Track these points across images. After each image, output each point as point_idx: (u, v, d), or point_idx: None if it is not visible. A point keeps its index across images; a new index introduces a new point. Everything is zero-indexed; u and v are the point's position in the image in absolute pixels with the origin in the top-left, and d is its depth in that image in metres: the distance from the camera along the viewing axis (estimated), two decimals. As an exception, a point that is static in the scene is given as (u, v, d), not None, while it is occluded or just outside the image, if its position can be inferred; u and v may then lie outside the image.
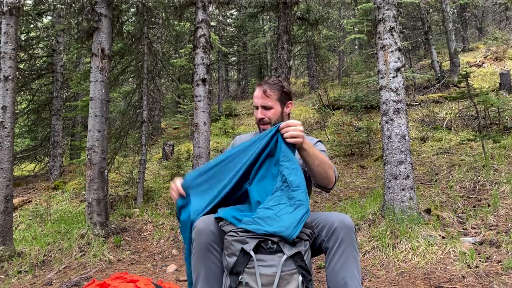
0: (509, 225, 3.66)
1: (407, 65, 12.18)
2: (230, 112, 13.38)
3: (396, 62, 4.17)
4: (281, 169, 1.62)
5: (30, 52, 9.52)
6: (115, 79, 7.34)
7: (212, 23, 11.22)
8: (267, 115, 1.92)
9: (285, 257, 1.43)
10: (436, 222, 3.81)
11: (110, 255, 4.29)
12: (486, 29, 18.32)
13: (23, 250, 4.34)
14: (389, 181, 4.05)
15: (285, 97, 1.97)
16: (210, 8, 6.53)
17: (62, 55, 9.31)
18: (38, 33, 9.11)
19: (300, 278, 1.44)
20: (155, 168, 8.75)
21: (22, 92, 10.32)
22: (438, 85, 10.23)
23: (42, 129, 10.95)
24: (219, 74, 16.35)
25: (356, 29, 11.61)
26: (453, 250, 3.25)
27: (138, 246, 4.71)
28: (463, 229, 3.75)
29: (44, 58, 10.11)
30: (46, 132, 10.65)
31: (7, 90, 4.30)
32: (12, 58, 4.38)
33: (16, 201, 7.23)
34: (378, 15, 4.31)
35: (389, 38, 4.22)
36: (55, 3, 5.57)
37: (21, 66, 9.53)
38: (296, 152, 1.69)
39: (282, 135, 1.67)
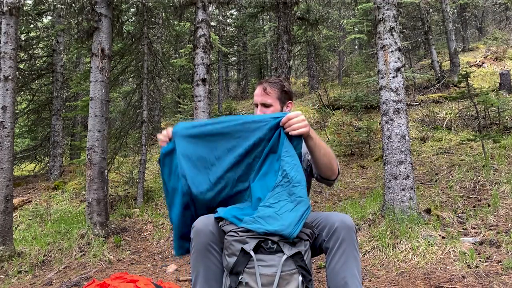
0: (509, 225, 3.66)
1: (407, 65, 12.18)
2: (230, 112, 13.37)
3: (396, 62, 4.17)
4: (282, 164, 1.59)
5: (30, 52, 9.52)
6: (115, 79, 7.34)
7: (212, 23, 11.21)
8: (266, 113, 1.92)
9: (285, 257, 1.43)
10: (436, 222, 3.81)
11: (110, 255, 4.29)
12: (486, 29, 18.32)
13: (23, 250, 4.34)
14: (389, 181, 4.05)
15: (285, 96, 1.97)
16: (210, 8, 6.53)
17: (62, 55, 9.31)
18: (38, 33, 9.10)
19: (300, 278, 1.44)
20: (155, 168, 8.75)
21: (22, 92, 10.32)
22: (438, 85, 10.23)
23: (42, 129, 10.95)
24: (219, 74, 16.35)
25: (356, 29, 11.62)
26: (453, 250, 3.25)
27: (138, 246, 4.71)
28: (463, 229, 3.75)
29: (44, 58, 10.11)
30: (46, 132, 10.64)
31: (7, 90, 4.30)
32: (12, 58, 4.38)
33: (16, 201, 7.23)
34: (378, 15, 4.31)
35: (389, 38, 4.22)
36: (55, 3, 5.57)
37: (21, 66, 9.53)
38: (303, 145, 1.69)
39: (284, 129, 1.64)
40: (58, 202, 7.46)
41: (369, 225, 3.98)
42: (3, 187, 4.24)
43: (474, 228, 3.72)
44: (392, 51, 4.19)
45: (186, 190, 1.67)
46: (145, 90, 6.73)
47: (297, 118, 1.64)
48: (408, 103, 8.69)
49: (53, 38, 9.50)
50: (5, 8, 4.36)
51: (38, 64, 10.03)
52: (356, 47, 19.20)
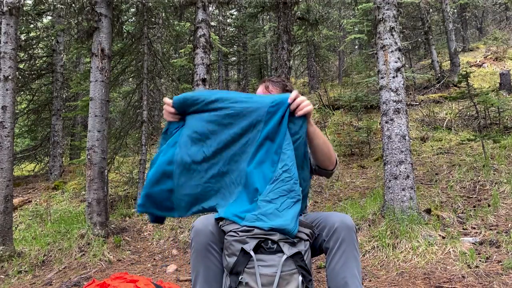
0: (509, 225, 3.66)
1: (407, 65, 12.18)
2: (230, 112, 13.33)
3: (396, 62, 4.17)
4: (284, 157, 1.54)
5: (30, 52, 9.51)
6: (115, 79, 7.34)
7: (212, 23, 11.22)
8: None
9: (285, 257, 1.43)
10: (436, 222, 3.81)
11: (110, 255, 4.29)
12: (486, 29, 18.32)
13: (23, 250, 4.34)
14: (389, 181, 4.05)
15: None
16: (210, 8, 6.53)
17: (62, 55, 9.31)
18: (38, 33, 9.10)
19: (300, 278, 1.44)
20: (155, 168, 8.73)
21: (22, 92, 10.32)
22: (438, 85, 10.23)
23: (42, 129, 10.95)
24: (219, 74, 16.35)
25: (356, 29, 11.62)
26: (453, 250, 3.25)
27: (138, 246, 4.71)
28: (463, 229, 3.75)
29: (44, 58, 10.11)
30: (46, 132, 10.64)
31: (7, 90, 4.30)
32: (12, 58, 4.38)
33: (16, 201, 7.23)
34: (378, 15, 4.31)
35: (389, 38, 4.22)
36: (55, 3, 5.57)
37: (21, 66, 9.52)
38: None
39: (292, 112, 1.59)
40: (58, 202, 7.46)
41: (369, 225, 3.98)
42: (3, 187, 4.24)
43: (474, 228, 3.72)
44: (392, 51, 4.19)
45: (176, 159, 1.63)
46: (145, 90, 6.73)
47: (300, 98, 1.62)
48: (408, 103, 8.69)
49: (53, 38, 9.50)
50: (5, 8, 4.36)
51: (38, 64, 10.02)
52: (356, 47, 19.20)
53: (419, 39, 13.70)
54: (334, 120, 9.53)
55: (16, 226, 6.07)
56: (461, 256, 3.12)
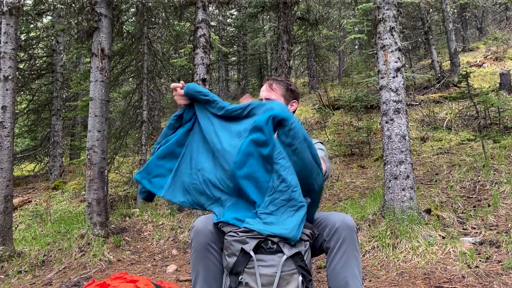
0: (509, 225, 3.66)
1: (407, 65, 12.18)
2: (230, 112, 13.33)
3: (396, 62, 4.17)
4: (277, 167, 1.52)
5: (30, 52, 9.52)
6: (115, 79, 7.34)
7: (212, 23, 11.22)
8: None
9: (285, 257, 1.43)
10: (436, 222, 3.81)
11: (110, 255, 4.29)
12: (486, 29, 18.32)
13: (23, 250, 4.34)
14: (389, 181, 4.05)
15: (290, 94, 1.98)
16: (210, 8, 6.53)
17: (62, 55, 9.31)
18: (38, 33, 9.10)
19: (300, 278, 1.44)
20: (155, 168, 8.73)
21: (22, 92, 10.32)
22: (438, 85, 10.23)
23: (42, 129, 10.95)
24: (219, 74, 16.35)
25: (356, 29, 11.62)
26: (453, 250, 3.25)
27: (138, 246, 4.71)
28: (463, 229, 3.74)
29: (44, 58, 10.11)
30: (46, 132, 10.64)
31: (7, 90, 4.30)
32: (12, 58, 4.38)
33: (16, 201, 7.23)
34: (378, 15, 4.31)
35: (389, 38, 4.22)
36: (55, 3, 5.57)
37: (21, 66, 9.53)
38: None
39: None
40: (58, 202, 7.46)
41: (369, 225, 3.98)
42: (3, 187, 4.24)
43: (474, 228, 3.72)
44: (392, 51, 4.19)
45: (187, 151, 1.76)
46: (145, 90, 6.72)
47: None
48: (408, 103, 8.69)
49: (53, 38, 9.50)
50: (5, 8, 4.36)
51: (38, 64, 10.03)
52: (356, 47, 19.20)
53: (419, 39, 13.70)
54: (334, 120, 9.53)
55: (16, 226, 6.07)
56: (461, 256, 3.12)
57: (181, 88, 1.74)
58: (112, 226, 5.02)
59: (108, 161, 6.27)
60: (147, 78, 6.81)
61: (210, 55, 5.72)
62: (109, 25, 5.11)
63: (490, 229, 3.63)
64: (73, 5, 5.18)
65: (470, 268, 2.96)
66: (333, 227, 1.61)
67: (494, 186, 4.62)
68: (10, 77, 4.32)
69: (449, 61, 11.39)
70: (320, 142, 1.98)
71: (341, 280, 1.57)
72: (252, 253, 1.43)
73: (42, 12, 8.77)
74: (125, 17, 7.69)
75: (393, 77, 4.14)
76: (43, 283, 3.64)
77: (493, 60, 12.13)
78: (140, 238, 4.94)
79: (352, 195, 5.48)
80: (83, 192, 7.22)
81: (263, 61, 20.08)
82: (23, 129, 10.95)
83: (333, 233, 1.60)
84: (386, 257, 3.37)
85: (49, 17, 11.37)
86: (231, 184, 1.60)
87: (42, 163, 10.94)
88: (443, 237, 3.53)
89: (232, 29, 18.45)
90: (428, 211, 4.05)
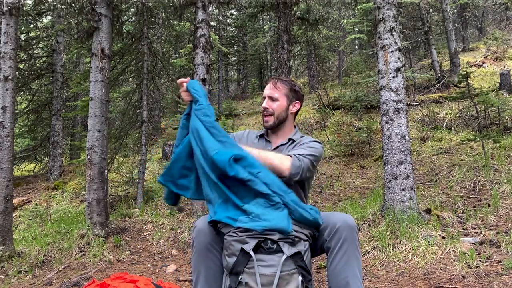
0: (509, 225, 3.66)
1: (407, 65, 12.18)
2: (230, 112, 13.37)
3: (396, 62, 4.17)
4: (250, 184, 1.58)
5: (30, 52, 9.51)
6: (115, 79, 7.34)
7: (212, 23, 11.22)
8: (272, 106, 1.94)
9: (284, 257, 1.43)
10: (436, 222, 3.81)
11: (110, 255, 4.29)
12: (486, 29, 18.32)
13: (23, 250, 4.34)
14: (389, 181, 4.05)
15: (293, 94, 1.98)
16: (210, 8, 6.54)
17: (62, 55, 9.31)
18: (38, 33, 9.10)
19: (300, 278, 1.44)
20: (155, 168, 8.75)
21: (22, 92, 10.32)
22: (438, 85, 10.23)
23: (42, 129, 10.95)
24: (219, 74, 16.35)
25: (356, 29, 11.61)
26: (453, 250, 3.25)
27: (138, 246, 4.71)
28: (463, 229, 3.74)
29: (44, 58, 10.11)
30: (46, 132, 10.64)
31: (7, 90, 4.30)
32: (12, 58, 4.38)
33: (16, 201, 7.23)
34: (378, 15, 4.31)
35: (389, 38, 4.22)
36: (55, 3, 5.56)
37: (21, 66, 9.52)
38: None
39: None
40: (58, 202, 7.46)
41: (369, 225, 3.98)
42: (3, 187, 4.24)
43: (474, 228, 3.72)
44: (392, 51, 4.19)
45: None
46: (145, 90, 6.72)
47: None
48: (408, 103, 8.69)
49: (53, 38, 9.50)
50: (5, 8, 4.36)
51: (38, 64, 10.02)
52: (356, 47, 19.20)
53: (419, 39, 13.71)
54: (334, 120, 9.53)
55: (16, 226, 6.07)
56: (461, 256, 3.12)
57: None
58: (112, 226, 5.02)
59: (108, 161, 6.27)
60: (147, 78, 6.81)
61: (210, 55, 5.72)
62: (109, 25, 5.11)
63: (490, 229, 3.63)
64: (73, 5, 5.18)
65: (470, 268, 2.96)
66: (334, 227, 1.61)
67: (494, 186, 4.62)
68: (10, 77, 4.32)
69: (449, 61, 11.39)
70: (315, 141, 1.94)
71: (342, 280, 1.57)
72: (252, 253, 1.43)
73: (42, 12, 8.77)
74: (125, 17, 7.68)
75: (393, 77, 4.14)
76: (43, 283, 3.64)
77: (493, 60, 12.13)
78: (140, 238, 4.94)
79: (352, 195, 5.48)
80: (83, 192, 7.22)
81: (263, 61, 20.09)
82: (23, 129, 10.94)
83: (334, 233, 1.60)
84: (386, 257, 3.37)
85: (49, 17, 11.37)
86: (214, 186, 1.64)
87: (42, 163, 10.94)
88: (443, 237, 3.53)
89: (232, 29, 18.46)
90: (428, 211, 4.05)
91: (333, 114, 9.94)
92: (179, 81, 1.81)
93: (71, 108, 10.98)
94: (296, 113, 2.03)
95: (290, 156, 1.75)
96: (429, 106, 8.79)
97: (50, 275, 3.85)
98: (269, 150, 1.90)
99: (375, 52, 4.66)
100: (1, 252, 4.11)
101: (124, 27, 6.81)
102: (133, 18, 8.26)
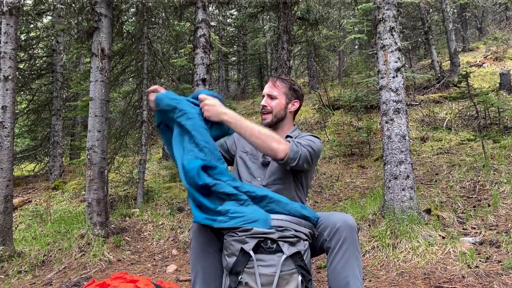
0: (509, 225, 3.66)
1: (407, 65, 12.18)
2: (230, 112, 13.32)
3: (396, 62, 4.17)
4: (214, 189, 1.59)
5: (30, 52, 9.51)
6: (115, 79, 7.34)
7: (212, 23, 11.21)
8: (270, 104, 1.95)
9: (284, 256, 1.43)
10: (436, 222, 3.81)
11: (110, 255, 4.29)
12: (486, 29, 18.32)
13: (23, 250, 4.34)
14: (389, 181, 4.05)
15: (293, 93, 1.99)
16: (210, 8, 6.54)
17: (62, 55, 9.30)
18: (38, 33, 9.10)
19: (300, 278, 1.44)
20: (155, 168, 8.75)
21: (22, 92, 10.32)
22: (438, 85, 10.23)
23: (42, 129, 10.95)
24: (219, 74, 16.35)
25: (356, 29, 11.62)
26: (453, 250, 3.25)
27: (138, 246, 4.71)
28: (463, 229, 3.75)
29: (44, 58, 10.11)
30: (46, 132, 10.64)
31: (7, 90, 4.30)
32: (12, 58, 4.38)
33: (16, 201, 7.23)
34: (378, 15, 4.31)
35: (389, 38, 4.22)
36: (55, 3, 5.57)
37: (21, 66, 9.52)
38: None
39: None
40: (58, 202, 7.46)
41: (369, 225, 3.98)
42: (3, 187, 4.24)
43: (474, 228, 3.72)
44: (392, 51, 4.19)
45: None
46: (145, 90, 6.72)
47: (203, 101, 1.72)
48: (408, 103, 8.69)
49: (53, 38, 9.50)
50: (5, 8, 4.36)
51: (38, 64, 10.02)
52: (356, 47, 19.20)
53: (419, 39, 13.71)
54: (334, 120, 9.53)
55: (16, 226, 6.07)
56: (461, 256, 3.12)
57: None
58: (112, 226, 5.02)
59: (108, 161, 6.27)
60: (147, 78, 6.81)
61: (210, 55, 5.72)
62: (109, 25, 5.11)
63: (490, 229, 3.63)
64: (73, 5, 5.18)
65: (470, 268, 2.96)
66: (334, 227, 1.60)
67: (494, 186, 4.62)
68: (10, 77, 4.32)
69: (449, 61, 11.38)
70: (312, 135, 1.93)
71: (342, 280, 1.57)
72: (251, 252, 1.43)
73: (42, 12, 8.77)
74: (125, 17, 7.68)
75: (393, 77, 4.14)
76: (43, 283, 3.64)
77: (493, 60, 12.13)
78: (140, 238, 4.94)
79: (352, 195, 5.48)
80: (83, 192, 7.22)
81: (263, 61, 20.09)
82: (23, 129, 10.94)
83: (334, 233, 1.60)
84: (386, 257, 3.37)
85: (49, 17, 11.37)
86: (188, 191, 1.66)
87: (42, 163, 10.94)
88: (443, 237, 3.53)
89: (232, 29, 18.46)
90: (428, 211, 4.05)
91: (333, 114, 9.94)
92: (149, 89, 1.81)
93: (71, 108, 10.98)
94: (296, 112, 2.03)
95: (289, 141, 1.75)
96: (429, 106, 8.79)
97: (50, 275, 3.85)
98: None
99: (375, 52, 4.66)
100: (1, 252, 4.11)
101: (124, 27, 6.82)
102: (133, 18, 8.26)
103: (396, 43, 4.21)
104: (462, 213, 4.10)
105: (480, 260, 3.04)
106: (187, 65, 9.97)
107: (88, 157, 4.90)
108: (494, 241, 3.34)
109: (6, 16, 4.38)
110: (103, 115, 4.97)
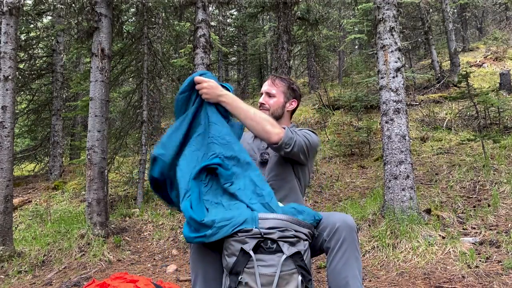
0: (509, 225, 3.66)
1: (407, 65, 12.18)
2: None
3: (396, 62, 4.17)
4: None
5: (30, 52, 9.51)
6: (115, 79, 7.34)
7: (212, 23, 11.22)
8: (268, 102, 1.96)
9: (284, 256, 1.43)
10: (436, 222, 3.81)
11: (110, 255, 4.29)
12: (486, 29, 18.32)
13: (23, 250, 4.34)
14: (389, 181, 4.05)
15: (291, 92, 1.99)
16: (210, 8, 6.54)
17: (62, 55, 9.30)
18: (38, 33, 9.10)
19: (300, 278, 1.44)
20: (155, 168, 8.72)
21: (22, 92, 10.32)
22: (438, 85, 10.23)
23: (42, 129, 10.95)
24: (219, 74, 16.35)
25: (356, 29, 11.62)
26: (453, 250, 3.25)
27: (138, 246, 4.71)
28: (463, 229, 3.75)
29: (44, 58, 10.11)
30: (46, 132, 10.64)
31: (7, 90, 4.30)
32: (12, 58, 4.38)
33: (16, 201, 7.23)
34: (378, 15, 4.31)
35: (389, 38, 4.22)
36: (55, 3, 5.57)
37: (21, 66, 9.52)
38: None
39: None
40: (58, 202, 7.46)
41: (369, 225, 3.98)
42: (3, 187, 4.24)
43: (474, 228, 3.72)
44: (392, 51, 4.19)
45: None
46: (145, 90, 6.72)
47: (201, 84, 1.72)
48: (408, 103, 8.68)
49: (53, 38, 9.50)
50: (5, 8, 4.36)
51: (38, 64, 10.03)
52: (356, 47, 19.20)
53: (419, 39, 13.70)
54: (334, 120, 9.53)
55: (16, 226, 6.07)
56: (461, 256, 3.12)
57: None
58: (112, 226, 5.02)
59: (108, 161, 6.27)
60: (147, 78, 6.81)
61: (210, 55, 5.72)
62: (109, 25, 5.11)
63: (490, 229, 3.63)
64: (73, 5, 5.18)
65: (470, 268, 2.97)
66: (334, 227, 1.60)
67: (494, 186, 4.62)
68: (10, 77, 4.32)
69: (449, 61, 11.38)
70: (313, 132, 1.94)
71: (342, 280, 1.57)
72: (251, 252, 1.43)
73: (42, 12, 8.77)
74: (125, 17, 7.69)
75: (393, 77, 4.14)
76: (43, 283, 3.65)
77: (493, 60, 12.13)
78: (140, 238, 4.94)
79: (352, 195, 5.48)
80: (83, 192, 7.22)
81: (263, 61, 20.07)
82: (23, 129, 10.94)
83: (334, 233, 1.60)
84: (386, 257, 3.37)
85: (49, 17, 11.37)
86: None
87: (42, 163, 10.94)
88: (443, 237, 3.53)
89: (232, 29, 18.45)
90: (428, 211, 4.05)
91: (333, 114, 9.94)
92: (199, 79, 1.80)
93: (71, 108, 10.98)
94: (293, 112, 2.04)
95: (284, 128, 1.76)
96: (429, 106, 8.79)
97: (50, 275, 3.85)
98: (263, 148, 1.94)
99: (375, 52, 4.66)
100: (1, 252, 4.11)
101: (124, 27, 6.82)
102: (133, 18, 8.26)
103: (396, 43, 4.22)
104: (462, 213, 4.10)
105: (480, 260, 3.04)
106: (187, 65, 9.97)
107: (88, 157, 4.90)
108: (494, 241, 3.34)
109: (6, 16, 4.38)
110: (103, 115, 4.97)
